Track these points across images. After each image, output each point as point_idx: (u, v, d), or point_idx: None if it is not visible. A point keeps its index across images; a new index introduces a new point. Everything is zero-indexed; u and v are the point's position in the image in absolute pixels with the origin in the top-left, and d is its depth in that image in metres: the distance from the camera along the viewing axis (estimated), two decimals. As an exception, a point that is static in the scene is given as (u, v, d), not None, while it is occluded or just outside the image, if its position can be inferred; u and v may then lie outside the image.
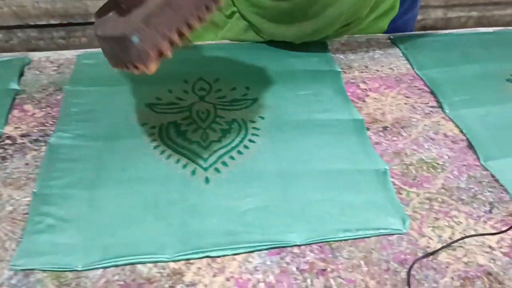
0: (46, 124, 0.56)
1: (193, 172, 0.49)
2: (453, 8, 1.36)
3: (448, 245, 0.43)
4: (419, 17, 0.93)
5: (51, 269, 0.41)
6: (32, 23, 1.23)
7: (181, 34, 0.40)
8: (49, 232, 0.43)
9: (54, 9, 1.20)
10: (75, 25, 1.25)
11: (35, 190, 0.47)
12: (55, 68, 0.66)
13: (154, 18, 0.38)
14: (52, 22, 1.23)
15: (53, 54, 0.69)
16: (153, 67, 0.39)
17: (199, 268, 0.41)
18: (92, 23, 1.27)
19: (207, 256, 0.42)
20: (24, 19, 1.23)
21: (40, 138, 0.54)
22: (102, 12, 0.46)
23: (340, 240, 0.43)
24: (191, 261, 0.42)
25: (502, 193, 0.48)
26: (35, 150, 0.52)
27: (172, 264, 0.41)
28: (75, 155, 0.51)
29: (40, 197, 0.46)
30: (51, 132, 0.54)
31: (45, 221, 0.44)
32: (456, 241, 0.43)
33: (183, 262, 0.42)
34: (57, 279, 0.40)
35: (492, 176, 0.50)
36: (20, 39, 1.24)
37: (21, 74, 0.64)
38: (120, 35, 0.38)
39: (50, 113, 0.57)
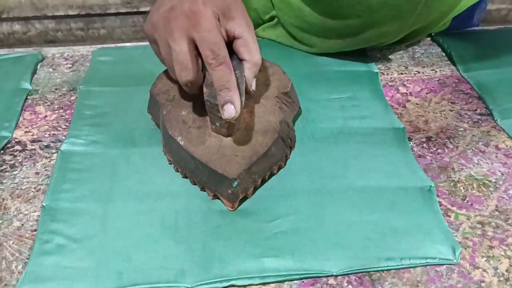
0: (59, 128, 0.52)
1: None
2: (493, 0, 1.27)
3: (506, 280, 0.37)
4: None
5: (59, 296, 0.37)
6: (50, 14, 1.19)
7: (263, 180, 0.44)
8: (58, 253, 0.39)
9: (73, -1, 1.16)
10: (94, 16, 1.21)
11: (44, 204, 0.43)
12: (70, 65, 0.62)
13: (254, 167, 0.42)
14: (70, 13, 1.19)
15: (67, 50, 0.64)
16: (236, 206, 0.42)
17: (223, 298, 0.37)
18: (111, 14, 1.24)
19: (232, 286, 0.37)
20: (42, 10, 1.19)
21: (52, 144, 0.50)
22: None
23: (382, 270, 0.38)
24: (214, 289, 0.37)
25: None
26: (46, 157, 0.48)
27: (192, 293, 0.37)
28: (88, 164, 0.47)
29: (50, 212, 0.42)
30: (63, 138, 0.50)
31: (54, 240, 0.40)
32: (516, 275, 0.37)
33: (205, 290, 0.37)
34: (66, 309, 0.36)
35: (553, 196, 0.44)
36: (37, 31, 1.20)
37: (34, 72, 0.60)
38: (223, 174, 0.41)
39: (63, 116, 0.53)
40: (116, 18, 1.23)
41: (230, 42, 0.44)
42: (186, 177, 0.45)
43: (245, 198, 0.43)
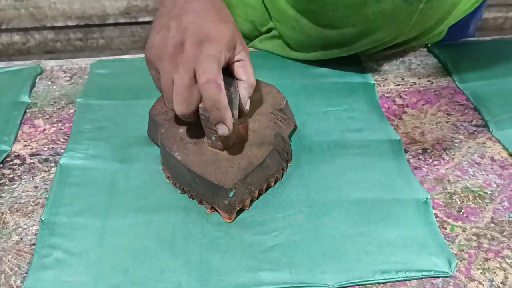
0: (57, 142, 0.52)
1: None
2: (489, 8, 1.28)
3: (501, 292, 0.37)
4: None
5: (57, 310, 0.37)
6: (49, 25, 1.20)
7: (260, 192, 0.45)
8: (57, 267, 0.39)
9: (71, 10, 1.17)
10: (93, 27, 1.22)
11: (43, 218, 0.43)
12: (68, 78, 0.62)
13: (249, 178, 0.43)
14: (69, 23, 1.20)
15: (66, 63, 0.65)
16: (233, 218, 0.43)
17: (220, 311, 0.37)
18: (109, 25, 1.25)
19: (229, 299, 0.38)
20: (41, 21, 1.20)
21: (50, 158, 0.50)
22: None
23: (378, 283, 0.39)
24: (211, 303, 0.38)
25: (560, 228, 0.43)
26: (45, 171, 0.49)
27: (190, 307, 0.37)
28: (87, 178, 0.47)
29: (48, 226, 0.42)
30: (62, 151, 0.50)
31: (52, 254, 0.40)
32: None
33: (202, 304, 0.38)
34: (64, 324, 0.36)
35: (548, 207, 0.44)
36: (37, 41, 1.21)
37: (33, 85, 0.61)
38: (219, 185, 0.42)
39: (61, 129, 0.54)
40: (114, 28, 1.23)
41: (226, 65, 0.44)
42: (184, 192, 0.45)
43: (242, 210, 0.43)
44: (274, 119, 0.48)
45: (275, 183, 0.46)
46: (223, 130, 0.41)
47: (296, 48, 0.63)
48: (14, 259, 0.41)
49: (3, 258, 0.41)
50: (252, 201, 0.44)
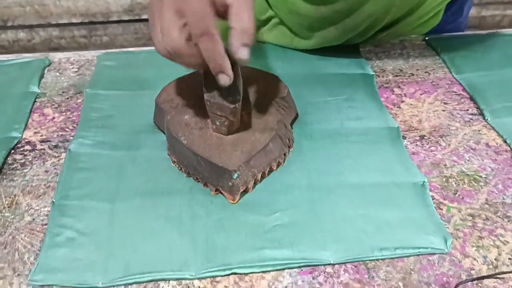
0: (66, 129, 0.54)
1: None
2: (487, 6, 1.30)
3: (496, 275, 0.39)
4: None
5: (70, 285, 0.39)
6: (54, 22, 1.22)
7: (263, 176, 0.46)
8: (69, 246, 0.41)
9: (76, 7, 1.19)
10: (97, 24, 1.23)
11: (54, 200, 0.45)
12: (76, 69, 0.64)
13: (252, 161, 0.44)
14: (74, 21, 1.22)
15: (73, 55, 0.67)
16: (237, 199, 0.44)
17: (226, 286, 0.39)
18: (113, 22, 1.27)
19: (234, 273, 0.39)
20: (46, 18, 1.22)
21: (60, 144, 0.52)
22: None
23: (377, 259, 0.40)
24: (217, 278, 0.39)
25: (552, 210, 0.44)
26: (55, 156, 0.50)
27: (196, 282, 0.39)
28: (95, 164, 0.49)
29: (59, 208, 0.44)
30: (71, 138, 0.52)
31: (64, 233, 0.42)
32: (508, 272, 0.39)
33: (208, 280, 0.39)
34: (76, 297, 0.38)
35: (540, 190, 0.46)
36: (42, 38, 1.23)
37: (42, 76, 0.62)
38: (224, 167, 0.43)
39: (70, 118, 0.56)
40: (118, 25, 1.25)
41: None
42: (189, 176, 0.47)
43: (245, 192, 0.45)
44: (276, 106, 0.50)
45: (277, 167, 0.48)
46: (224, 79, 0.41)
47: (297, 32, 0.64)
48: (27, 237, 0.42)
49: (17, 236, 0.42)
50: (255, 184, 0.46)
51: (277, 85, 0.52)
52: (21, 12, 1.20)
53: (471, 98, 0.57)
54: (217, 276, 0.39)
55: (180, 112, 0.49)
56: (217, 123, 0.45)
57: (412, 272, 0.39)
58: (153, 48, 0.48)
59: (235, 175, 0.43)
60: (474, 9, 1.28)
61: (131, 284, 0.39)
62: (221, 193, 0.45)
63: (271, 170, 0.47)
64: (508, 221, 0.43)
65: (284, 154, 0.48)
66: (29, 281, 0.39)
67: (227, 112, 0.44)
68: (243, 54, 0.41)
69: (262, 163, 0.46)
